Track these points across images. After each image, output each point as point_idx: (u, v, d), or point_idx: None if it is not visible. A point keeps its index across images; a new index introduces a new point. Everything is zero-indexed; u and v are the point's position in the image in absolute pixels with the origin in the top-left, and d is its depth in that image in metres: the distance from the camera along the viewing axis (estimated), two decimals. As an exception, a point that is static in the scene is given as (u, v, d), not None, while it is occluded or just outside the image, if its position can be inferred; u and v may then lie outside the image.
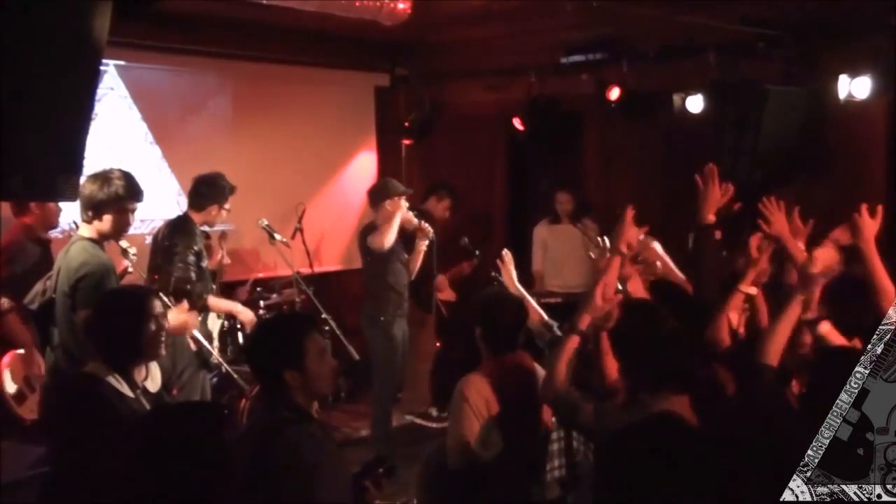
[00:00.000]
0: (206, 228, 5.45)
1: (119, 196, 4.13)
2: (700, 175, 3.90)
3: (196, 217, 5.30)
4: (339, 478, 2.84)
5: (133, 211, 4.27)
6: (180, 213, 5.47)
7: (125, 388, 3.25)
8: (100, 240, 4.21)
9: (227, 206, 5.37)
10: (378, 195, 6.10)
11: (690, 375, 2.98)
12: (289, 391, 2.84)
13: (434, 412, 7.18)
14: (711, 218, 3.82)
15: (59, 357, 4.12)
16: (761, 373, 2.92)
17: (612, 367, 3.35)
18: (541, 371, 3.75)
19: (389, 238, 5.91)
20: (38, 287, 4.29)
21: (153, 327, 3.31)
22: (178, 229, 5.20)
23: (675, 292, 3.93)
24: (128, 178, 4.19)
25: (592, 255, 7.22)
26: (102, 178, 4.11)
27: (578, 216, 7.44)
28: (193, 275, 5.06)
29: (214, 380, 5.73)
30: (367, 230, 6.10)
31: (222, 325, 5.78)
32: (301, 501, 2.69)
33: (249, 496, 2.66)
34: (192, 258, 5.10)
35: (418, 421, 7.16)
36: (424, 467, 3.73)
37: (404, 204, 6.05)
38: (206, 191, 5.32)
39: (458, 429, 3.66)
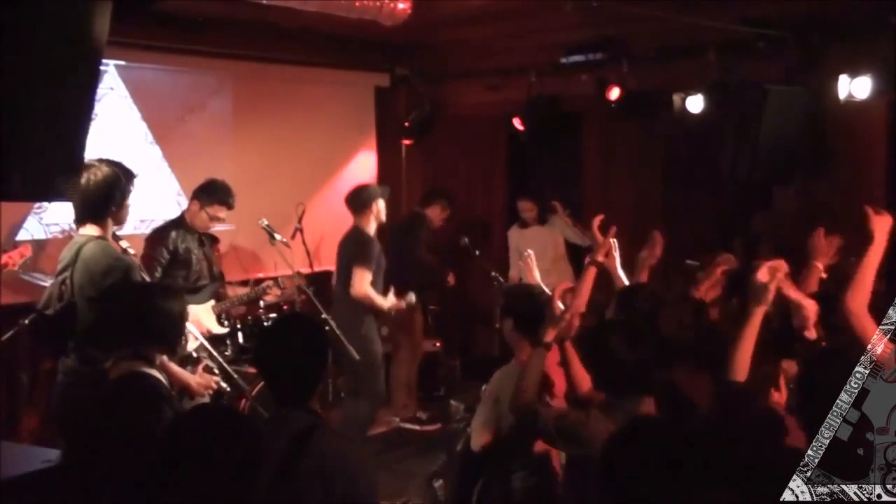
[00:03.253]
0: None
1: (130, 181, 4.16)
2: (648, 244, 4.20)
3: (186, 214, 5.69)
4: (371, 479, 2.85)
5: None
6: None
7: (166, 382, 3.41)
8: (106, 236, 4.10)
9: (210, 208, 5.61)
10: (363, 202, 6.06)
11: (653, 378, 3.09)
12: (314, 392, 2.86)
13: (423, 416, 7.13)
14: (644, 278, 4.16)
15: (75, 361, 3.99)
16: (727, 389, 2.95)
17: (582, 377, 3.48)
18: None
19: None
20: (53, 291, 4.08)
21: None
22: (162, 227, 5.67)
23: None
24: (121, 164, 4.20)
25: (584, 242, 7.28)
26: (119, 169, 4.08)
27: (544, 219, 7.47)
28: (159, 271, 5.38)
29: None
30: (359, 241, 6.01)
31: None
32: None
33: (286, 500, 2.64)
34: (166, 255, 5.45)
35: (406, 425, 7.10)
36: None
37: (383, 205, 6.10)
38: (199, 188, 5.68)
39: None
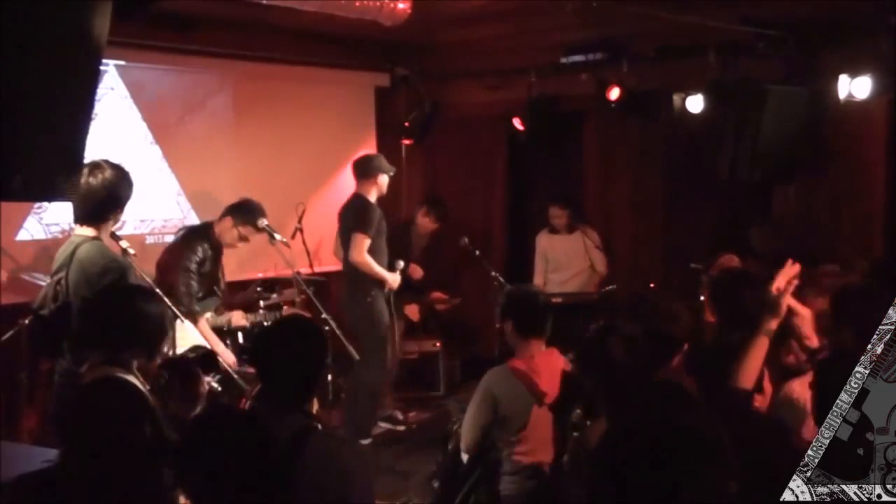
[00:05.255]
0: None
1: (131, 185, 4.12)
2: None
3: (216, 227, 5.68)
4: (368, 481, 2.85)
5: None
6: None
7: (143, 388, 3.30)
8: (102, 237, 4.07)
9: (243, 228, 5.65)
10: (371, 169, 6.31)
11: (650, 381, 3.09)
12: (312, 395, 2.86)
13: (399, 416, 7.09)
14: None
15: (70, 362, 3.91)
16: (736, 397, 2.93)
17: None
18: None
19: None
20: (48, 291, 4.02)
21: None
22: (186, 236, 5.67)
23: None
24: (122, 168, 4.12)
25: (598, 268, 7.30)
26: (118, 171, 4.03)
27: (575, 226, 7.47)
28: (195, 284, 5.38)
29: (217, 377, 5.73)
30: (359, 207, 6.18)
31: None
32: None
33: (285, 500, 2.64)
34: (193, 265, 5.42)
35: (383, 424, 7.01)
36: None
37: (386, 181, 6.38)
38: (236, 206, 5.70)
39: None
